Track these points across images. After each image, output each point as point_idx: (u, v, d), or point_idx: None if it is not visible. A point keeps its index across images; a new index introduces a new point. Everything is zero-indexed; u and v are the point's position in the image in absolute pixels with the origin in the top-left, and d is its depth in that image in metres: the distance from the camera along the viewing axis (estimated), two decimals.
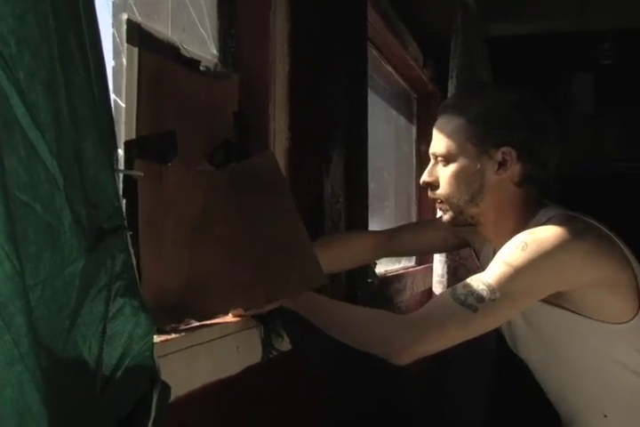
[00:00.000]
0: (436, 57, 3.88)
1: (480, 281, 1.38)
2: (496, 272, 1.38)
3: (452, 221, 1.58)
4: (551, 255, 1.39)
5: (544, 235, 1.42)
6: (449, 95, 3.19)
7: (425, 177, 1.58)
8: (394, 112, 3.97)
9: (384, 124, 3.83)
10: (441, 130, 1.55)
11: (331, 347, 1.67)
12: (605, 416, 1.56)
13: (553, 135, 1.53)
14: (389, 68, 3.52)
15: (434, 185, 1.57)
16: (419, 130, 4.17)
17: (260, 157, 1.46)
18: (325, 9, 1.96)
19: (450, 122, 1.54)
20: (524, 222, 1.52)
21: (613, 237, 1.48)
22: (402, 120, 4.09)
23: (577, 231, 1.43)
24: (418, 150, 4.14)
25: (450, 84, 3.19)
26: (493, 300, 1.35)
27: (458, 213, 1.55)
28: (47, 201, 0.69)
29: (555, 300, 1.47)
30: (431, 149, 1.58)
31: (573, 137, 4.11)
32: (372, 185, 2.91)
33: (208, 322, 1.34)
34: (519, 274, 1.37)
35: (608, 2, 3.65)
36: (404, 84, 3.90)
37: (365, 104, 2.35)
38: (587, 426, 1.60)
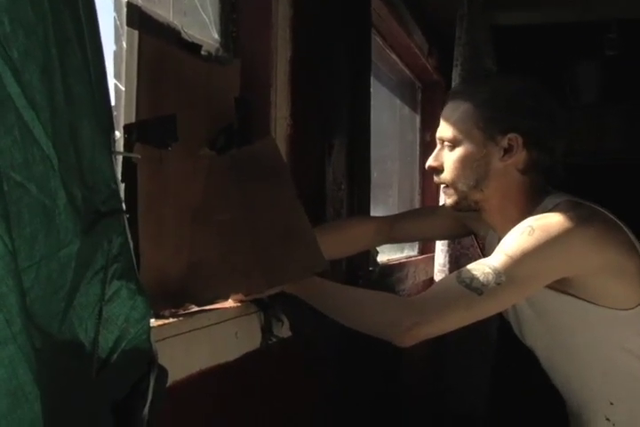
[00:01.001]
0: (440, 46, 3.86)
1: (486, 265, 1.38)
2: (502, 256, 1.38)
3: (456, 206, 1.58)
4: (558, 240, 1.39)
5: (551, 220, 1.42)
6: (453, 84, 3.18)
7: (430, 161, 1.58)
8: (398, 101, 3.95)
9: (388, 112, 3.81)
10: (448, 115, 1.55)
11: (332, 332, 1.67)
12: (612, 404, 1.56)
13: (559, 123, 1.53)
14: (394, 57, 3.50)
15: (439, 170, 1.57)
16: (423, 119, 4.15)
17: (260, 143, 1.46)
18: None
19: (457, 107, 1.54)
20: (530, 209, 1.52)
21: (619, 223, 1.48)
22: (406, 109, 4.08)
23: (583, 217, 1.43)
24: (422, 139, 4.13)
25: (454, 72, 3.18)
26: (499, 283, 1.35)
27: (462, 198, 1.55)
28: (42, 182, 0.69)
29: (561, 286, 1.47)
30: (438, 134, 1.58)
31: (577, 127, 4.10)
32: (375, 174, 2.91)
33: (207, 307, 1.34)
34: (526, 259, 1.37)
35: None
36: (408, 72, 3.88)
37: (368, 91, 2.34)
38: (593, 414, 1.60)
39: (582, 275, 1.45)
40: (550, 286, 1.47)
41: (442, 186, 1.60)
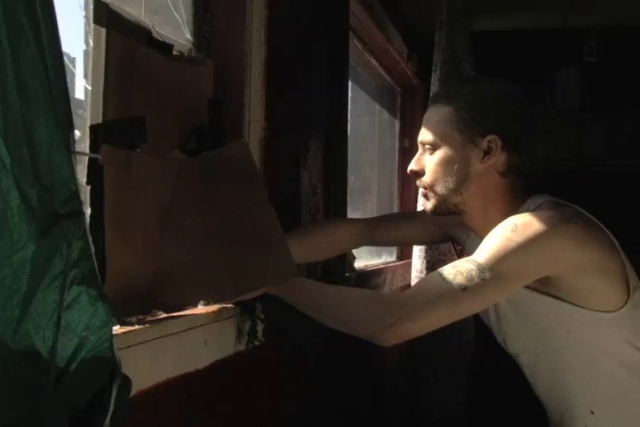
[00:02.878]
0: (420, 51, 3.85)
1: (469, 261, 1.38)
2: (486, 253, 1.38)
3: (436, 209, 1.57)
4: (542, 237, 1.39)
5: (534, 218, 1.42)
6: (432, 88, 3.17)
7: (412, 165, 1.58)
8: (377, 106, 3.94)
9: (367, 117, 3.80)
10: (429, 119, 1.56)
11: (314, 333, 1.64)
12: (592, 413, 1.55)
13: (539, 126, 1.54)
14: (373, 61, 3.49)
15: (420, 174, 1.57)
16: (402, 124, 4.14)
17: (232, 146, 1.42)
18: None
19: (438, 111, 1.54)
20: (512, 211, 1.51)
21: (600, 225, 1.48)
22: (385, 114, 4.07)
23: (566, 216, 1.44)
24: (401, 145, 4.12)
25: (433, 76, 3.18)
26: (483, 279, 1.35)
27: (442, 200, 1.55)
28: None
29: (544, 288, 1.47)
30: (419, 138, 1.58)
31: (556, 134, 4.10)
32: (352, 179, 2.89)
33: (176, 313, 1.31)
34: (510, 255, 1.37)
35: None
36: (388, 78, 3.87)
37: (346, 94, 2.32)
38: (574, 422, 1.59)
39: (566, 274, 1.44)
40: (534, 289, 1.47)
41: (421, 189, 1.60)
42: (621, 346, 1.51)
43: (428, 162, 1.55)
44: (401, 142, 4.12)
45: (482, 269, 1.35)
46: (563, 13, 3.87)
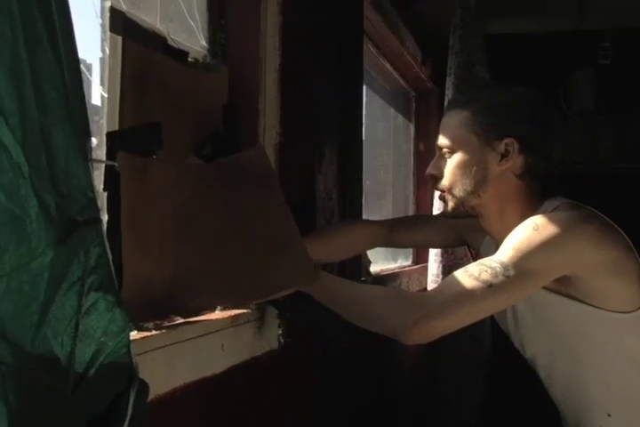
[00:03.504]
0: (434, 55, 3.85)
1: (493, 260, 1.39)
2: (509, 251, 1.39)
3: (453, 212, 1.59)
4: (563, 236, 1.41)
5: (553, 218, 1.45)
6: (446, 92, 3.16)
7: (430, 169, 1.60)
8: (392, 110, 3.94)
9: (382, 122, 3.80)
10: (446, 123, 1.58)
11: (345, 329, 1.65)
12: (609, 416, 1.55)
13: (555, 129, 1.55)
14: (388, 66, 3.49)
15: (438, 177, 1.58)
16: (417, 128, 4.14)
17: (249, 152, 1.43)
18: (319, 2, 1.93)
19: (455, 115, 1.56)
20: (530, 213, 1.52)
21: (616, 226, 1.49)
22: (400, 118, 4.07)
23: (584, 216, 1.47)
24: (416, 149, 4.11)
25: (447, 80, 3.18)
26: (507, 276, 1.36)
27: (459, 203, 1.56)
28: (11, 190, 0.66)
29: (563, 289, 1.48)
30: (437, 142, 1.59)
31: (571, 136, 4.08)
32: (368, 183, 2.89)
33: (193, 319, 1.31)
34: (532, 253, 1.39)
35: (608, 1, 3.63)
36: (402, 82, 3.87)
37: (361, 100, 2.32)
38: (591, 425, 1.58)
39: (585, 273, 1.46)
40: (552, 290, 1.48)
41: (438, 193, 1.61)
42: (638, 348, 1.52)
43: (445, 165, 1.56)
44: (416, 146, 4.12)
45: (506, 266, 1.36)
46: (576, 16, 3.86)
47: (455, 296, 1.36)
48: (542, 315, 1.56)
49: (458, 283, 1.37)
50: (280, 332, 1.59)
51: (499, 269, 1.36)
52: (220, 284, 1.34)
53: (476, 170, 1.53)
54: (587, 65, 4.16)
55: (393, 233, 1.85)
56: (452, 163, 1.54)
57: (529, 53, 4.08)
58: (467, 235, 1.80)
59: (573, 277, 1.45)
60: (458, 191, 1.55)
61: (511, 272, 1.36)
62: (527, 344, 1.65)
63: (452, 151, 1.54)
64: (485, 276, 1.36)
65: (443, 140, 1.56)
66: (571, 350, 1.56)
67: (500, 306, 1.45)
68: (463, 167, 1.53)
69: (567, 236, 1.42)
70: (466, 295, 1.35)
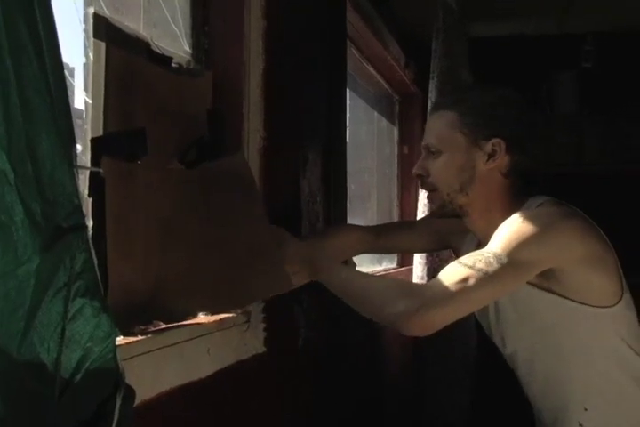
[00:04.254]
0: (417, 58, 3.87)
1: (485, 251, 1.42)
2: (500, 243, 1.42)
3: (440, 210, 1.62)
4: (551, 228, 1.46)
5: (539, 212, 1.51)
6: (430, 96, 3.18)
7: (416, 169, 1.62)
8: (376, 113, 3.96)
9: (366, 125, 3.81)
10: (433, 124, 1.61)
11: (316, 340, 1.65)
12: (586, 410, 1.59)
13: (537, 129, 1.61)
14: (371, 70, 3.50)
15: (424, 177, 1.61)
16: (401, 131, 4.16)
17: (230, 158, 1.44)
18: (303, 7, 1.93)
19: (442, 116, 1.59)
20: (513, 211, 1.55)
21: (595, 225, 1.54)
22: (384, 121, 4.08)
23: (566, 212, 1.52)
24: (400, 151, 4.13)
25: (431, 84, 3.19)
26: (501, 264, 1.39)
27: (447, 202, 1.59)
28: None
29: (545, 283, 1.51)
30: (423, 142, 1.62)
31: (555, 137, 4.11)
32: (352, 186, 2.90)
33: (179, 323, 1.31)
34: (523, 244, 1.42)
35: (591, 5, 3.66)
36: (386, 85, 3.89)
37: (344, 103, 2.33)
38: (567, 419, 1.61)
39: (570, 266, 1.49)
40: (535, 285, 1.51)
41: (425, 194, 1.65)
42: (617, 344, 1.56)
43: (433, 165, 1.58)
44: (400, 149, 4.13)
45: (499, 256, 1.39)
46: (558, 19, 3.89)
47: (452, 285, 1.37)
48: (524, 310, 1.59)
49: (453, 273, 1.39)
50: (265, 335, 1.60)
51: (492, 259, 1.39)
52: (201, 290, 1.35)
53: (463, 169, 1.56)
54: (569, 68, 4.19)
55: (379, 239, 1.86)
56: (440, 163, 1.57)
57: (512, 57, 4.10)
58: (450, 237, 1.82)
59: (558, 271, 1.48)
60: (446, 190, 1.57)
61: (504, 260, 1.39)
62: (508, 340, 1.67)
63: (440, 151, 1.57)
64: (480, 264, 1.38)
65: (430, 141, 1.59)
66: (552, 345, 1.60)
67: (495, 295, 1.48)
68: (451, 167, 1.56)
69: (555, 228, 1.46)
70: (462, 283, 1.37)
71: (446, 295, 1.37)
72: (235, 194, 1.40)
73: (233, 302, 1.37)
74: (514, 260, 1.40)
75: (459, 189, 1.57)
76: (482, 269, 1.37)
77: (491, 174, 1.57)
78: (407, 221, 3.59)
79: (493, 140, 1.54)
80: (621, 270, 1.55)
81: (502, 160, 1.56)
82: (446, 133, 1.57)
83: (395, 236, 1.90)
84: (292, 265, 1.46)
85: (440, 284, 1.39)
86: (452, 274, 1.40)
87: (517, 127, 1.56)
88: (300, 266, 1.48)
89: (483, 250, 1.43)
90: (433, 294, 1.37)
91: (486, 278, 1.37)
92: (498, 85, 1.64)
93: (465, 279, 1.37)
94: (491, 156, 1.55)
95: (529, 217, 1.47)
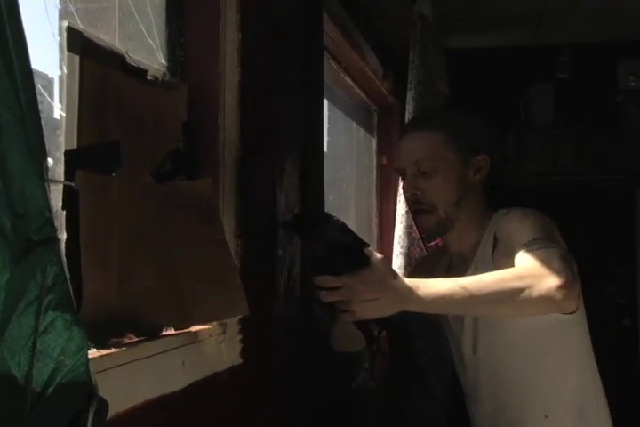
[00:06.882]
0: (395, 69, 3.89)
1: (529, 241, 1.50)
2: (531, 236, 1.51)
3: (435, 227, 1.71)
4: (535, 214, 1.62)
5: (517, 210, 1.66)
6: (407, 106, 3.20)
7: (411, 190, 1.71)
8: (354, 124, 3.97)
9: (344, 135, 3.83)
10: (420, 144, 1.73)
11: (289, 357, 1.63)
12: (546, 417, 1.65)
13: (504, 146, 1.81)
14: (349, 81, 3.52)
15: (418, 196, 1.71)
16: (379, 142, 4.18)
17: (198, 183, 1.45)
18: (278, 19, 1.94)
19: (430, 137, 1.72)
20: (488, 219, 1.70)
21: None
22: (362, 132, 4.10)
23: (536, 212, 1.65)
24: (378, 162, 4.14)
25: (408, 95, 3.20)
26: (552, 246, 1.49)
27: (443, 218, 1.69)
28: None
29: None
30: (412, 161, 1.72)
31: (531, 149, 4.15)
32: (331, 197, 2.91)
33: (153, 336, 1.31)
34: (542, 227, 1.55)
35: (565, 16, 3.71)
36: (364, 96, 3.90)
37: (321, 115, 2.34)
38: None
39: None
40: None
41: (410, 209, 1.83)
42: (578, 350, 1.67)
43: (429, 184, 1.70)
44: (378, 160, 4.15)
45: (542, 239, 1.49)
46: (534, 31, 3.93)
47: (555, 262, 1.42)
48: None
49: (541, 256, 1.45)
50: (242, 347, 1.60)
51: (542, 242, 1.48)
52: (165, 305, 1.35)
53: (459, 184, 1.71)
54: (545, 79, 4.23)
55: None
56: (439, 181, 1.70)
57: (488, 68, 4.14)
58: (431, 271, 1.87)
59: None
60: (444, 207, 1.69)
61: (549, 243, 1.49)
62: (480, 343, 1.71)
63: (435, 170, 1.70)
64: (546, 242, 1.48)
65: (424, 162, 1.70)
66: (518, 352, 1.66)
67: (573, 264, 1.50)
68: (449, 183, 1.70)
69: (539, 215, 1.61)
70: (554, 259, 1.44)
71: (562, 268, 1.41)
72: (198, 217, 1.41)
73: (195, 320, 1.40)
74: (552, 240, 1.52)
75: (456, 202, 1.70)
76: (551, 245, 1.47)
77: (476, 186, 1.73)
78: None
79: (479, 157, 1.73)
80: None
81: (486, 173, 1.73)
82: (439, 153, 1.71)
83: None
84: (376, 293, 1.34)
85: (546, 264, 1.43)
86: (541, 258, 1.45)
87: (496, 144, 1.80)
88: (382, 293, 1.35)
89: (524, 245, 1.49)
90: (558, 269, 1.41)
91: (558, 250, 1.47)
92: (467, 109, 1.87)
93: (556, 255, 1.44)
94: (478, 170, 1.73)
95: (522, 212, 1.62)
